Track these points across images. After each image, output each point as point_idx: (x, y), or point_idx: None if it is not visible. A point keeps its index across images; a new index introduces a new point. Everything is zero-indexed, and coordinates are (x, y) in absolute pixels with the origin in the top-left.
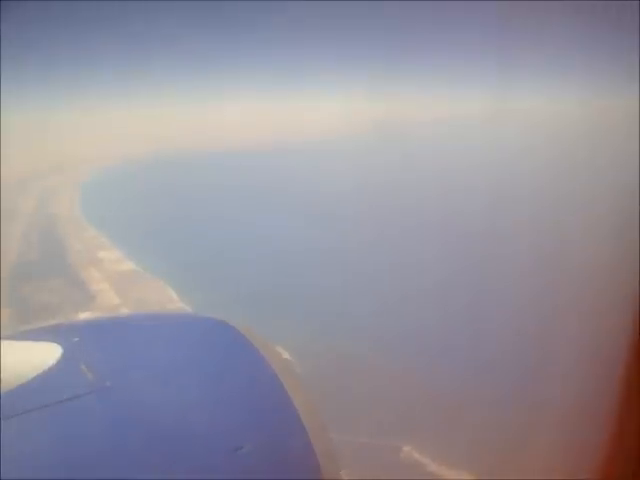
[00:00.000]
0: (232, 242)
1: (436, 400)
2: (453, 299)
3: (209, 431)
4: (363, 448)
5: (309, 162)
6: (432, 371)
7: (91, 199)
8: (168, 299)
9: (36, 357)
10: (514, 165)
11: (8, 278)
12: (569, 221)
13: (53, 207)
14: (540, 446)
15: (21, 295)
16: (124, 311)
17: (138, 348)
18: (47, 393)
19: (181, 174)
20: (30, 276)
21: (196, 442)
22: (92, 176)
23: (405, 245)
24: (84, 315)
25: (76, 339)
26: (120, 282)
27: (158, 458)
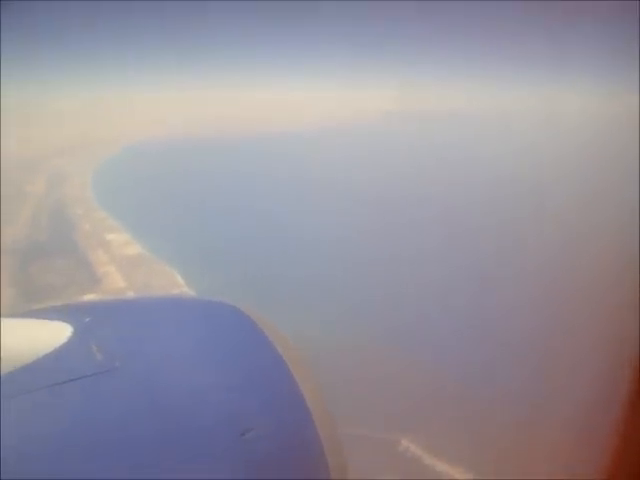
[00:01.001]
0: (241, 229)
1: (438, 394)
2: (459, 293)
3: (215, 415)
4: (360, 440)
5: (320, 151)
6: (435, 365)
7: (103, 181)
8: (173, 284)
9: (46, 336)
10: (516, 161)
11: (15, 257)
12: (573, 217)
13: (64, 188)
14: (542, 445)
15: (27, 275)
16: (129, 294)
17: (148, 331)
18: (55, 372)
19: (193, 159)
20: (37, 256)
21: (201, 426)
22: (105, 158)
23: (412, 237)
24: (89, 297)
25: (87, 319)
26: (127, 265)
27: (162, 440)
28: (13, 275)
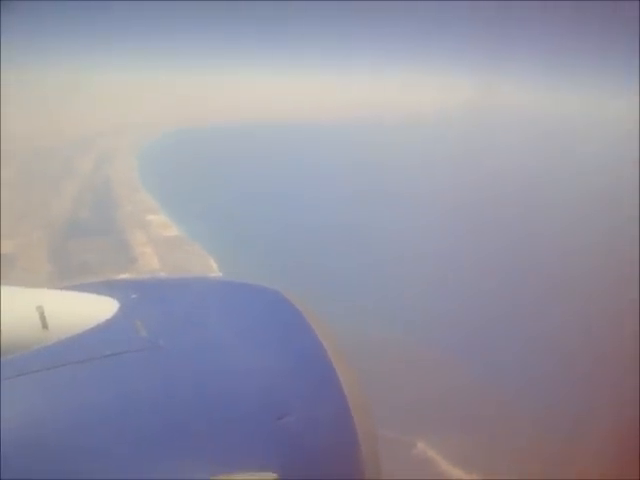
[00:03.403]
0: (277, 216)
1: (458, 400)
2: (483, 295)
3: (252, 398)
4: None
5: (352, 140)
6: (456, 370)
7: (149, 162)
8: (208, 268)
9: (93, 309)
10: (513, 160)
11: (56, 233)
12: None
13: (110, 167)
14: (559, 453)
15: (65, 251)
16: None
17: (193, 311)
18: (100, 346)
19: (240, 144)
20: (77, 233)
21: (238, 407)
22: (152, 139)
23: (429, 232)
24: (123, 277)
25: (134, 296)
26: (163, 247)
27: (198, 420)
28: (52, 251)
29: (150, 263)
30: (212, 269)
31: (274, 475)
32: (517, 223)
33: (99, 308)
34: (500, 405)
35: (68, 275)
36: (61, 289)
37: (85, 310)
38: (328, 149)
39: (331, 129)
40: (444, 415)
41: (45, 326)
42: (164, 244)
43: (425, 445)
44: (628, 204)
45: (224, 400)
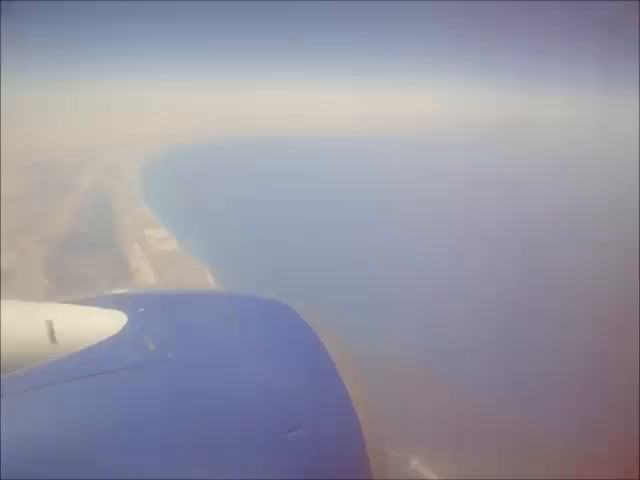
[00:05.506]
0: (280, 232)
1: (452, 417)
2: (475, 315)
3: (263, 411)
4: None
5: (356, 155)
6: (451, 388)
7: (150, 177)
8: (204, 283)
9: (101, 324)
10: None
11: (52, 248)
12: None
13: (111, 182)
14: (555, 471)
15: (62, 265)
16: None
17: (201, 324)
18: (108, 360)
19: (239, 159)
20: (75, 248)
21: (249, 421)
22: (153, 154)
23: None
24: (118, 292)
25: (142, 309)
26: (160, 261)
27: (207, 432)
28: (50, 265)
29: (147, 277)
30: (209, 283)
31: None
32: (525, 237)
33: (107, 322)
34: (495, 424)
35: (65, 289)
36: (69, 303)
37: (94, 324)
38: (328, 163)
39: (331, 143)
40: (438, 433)
41: (54, 340)
42: (161, 258)
43: (419, 462)
44: (629, 211)
45: (234, 413)
